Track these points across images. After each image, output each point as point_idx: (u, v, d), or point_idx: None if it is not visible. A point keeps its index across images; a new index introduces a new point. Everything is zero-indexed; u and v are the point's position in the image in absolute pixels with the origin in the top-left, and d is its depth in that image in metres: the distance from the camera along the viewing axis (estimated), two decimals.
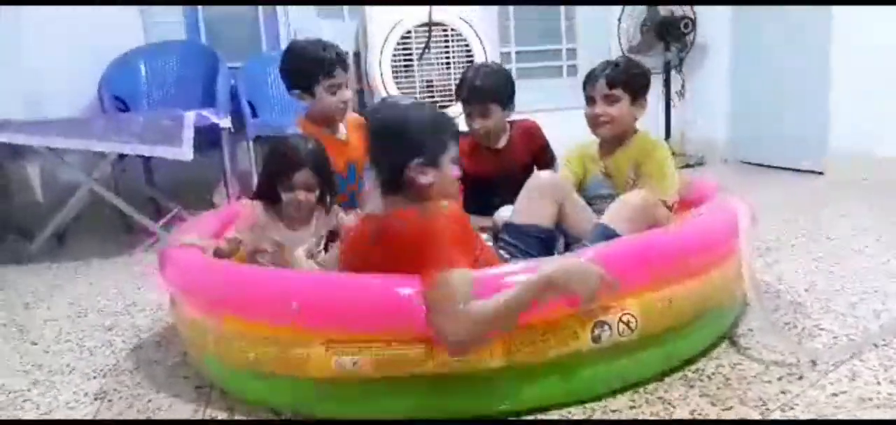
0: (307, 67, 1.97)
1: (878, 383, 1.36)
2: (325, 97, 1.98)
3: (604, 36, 4.57)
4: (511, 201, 1.92)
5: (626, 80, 1.94)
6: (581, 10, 4.69)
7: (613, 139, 1.99)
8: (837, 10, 3.63)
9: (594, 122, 1.97)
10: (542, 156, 2.32)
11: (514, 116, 2.33)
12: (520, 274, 1.27)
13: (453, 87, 2.59)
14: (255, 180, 2.21)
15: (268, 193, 1.83)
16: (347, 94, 2.01)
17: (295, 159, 1.78)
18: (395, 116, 1.45)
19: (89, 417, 1.43)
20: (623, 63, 2.00)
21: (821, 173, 3.83)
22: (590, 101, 1.98)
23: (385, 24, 3.67)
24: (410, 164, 1.38)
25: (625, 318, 1.31)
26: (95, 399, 1.52)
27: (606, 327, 1.29)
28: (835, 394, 1.32)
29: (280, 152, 1.83)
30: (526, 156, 2.30)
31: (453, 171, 1.45)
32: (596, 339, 1.29)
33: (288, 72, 2.02)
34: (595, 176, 2.03)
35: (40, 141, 2.83)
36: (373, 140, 1.45)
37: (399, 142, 1.40)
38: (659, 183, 1.87)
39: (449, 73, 3.77)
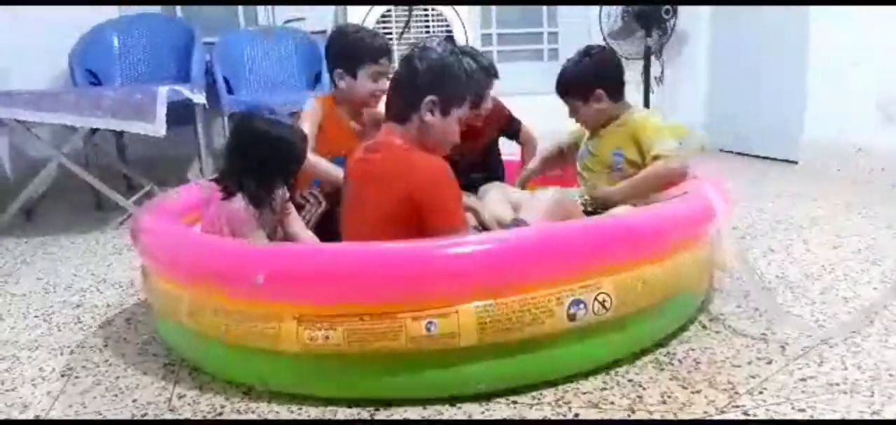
0: (358, 51, 1.97)
1: (845, 368, 1.38)
2: (366, 83, 1.97)
3: (585, 20, 4.56)
4: (472, 176, 2.11)
5: (572, 88, 1.98)
6: None
7: (597, 127, 2.04)
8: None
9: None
10: (509, 127, 2.39)
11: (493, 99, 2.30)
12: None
13: None
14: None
15: (261, 188, 1.63)
16: (386, 84, 1.96)
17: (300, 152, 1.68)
18: (435, 56, 1.56)
19: (54, 393, 1.41)
20: (570, 67, 2.01)
21: (795, 162, 3.87)
22: None
23: (364, 3, 3.63)
24: (425, 99, 1.50)
25: (600, 298, 1.31)
26: (62, 375, 1.50)
27: (582, 305, 1.29)
28: (803, 379, 1.34)
29: (289, 142, 1.66)
30: (492, 132, 2.34)
31: (455, 130, 1.58)
32: (571, 318, 1.29)
33: (336, 51, 2.02)
34: (585, 147, 2.09)
35: (9, 113, 2.75)
36: (406, 66, 1.56)
37: (426, 76, 1.52)
38: (658, 143, 1.87)
39: None
